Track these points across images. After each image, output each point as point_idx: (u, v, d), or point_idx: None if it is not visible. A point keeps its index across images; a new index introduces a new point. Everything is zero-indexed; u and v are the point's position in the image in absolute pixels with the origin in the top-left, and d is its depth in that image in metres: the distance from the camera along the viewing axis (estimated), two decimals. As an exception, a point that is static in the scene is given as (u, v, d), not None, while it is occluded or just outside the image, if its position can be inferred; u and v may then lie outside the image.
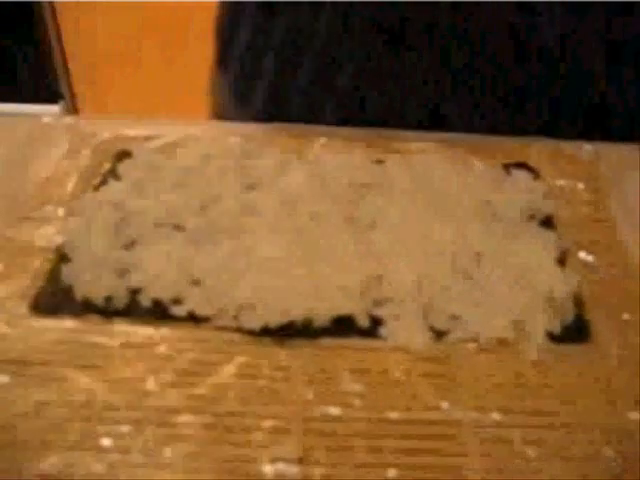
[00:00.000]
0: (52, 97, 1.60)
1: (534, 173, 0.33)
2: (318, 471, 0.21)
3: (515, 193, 0.31)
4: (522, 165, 0.33)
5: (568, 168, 0.34)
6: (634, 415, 0.23)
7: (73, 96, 1.64)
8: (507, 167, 0.33)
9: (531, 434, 0.22)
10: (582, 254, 0.29)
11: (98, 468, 0.21)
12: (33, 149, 0.35)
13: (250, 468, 0.21)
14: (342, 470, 0.21)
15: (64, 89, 1.62)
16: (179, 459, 0.21)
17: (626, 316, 0.26)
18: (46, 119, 0.38)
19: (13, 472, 0.21)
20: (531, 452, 0.21)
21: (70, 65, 1.58)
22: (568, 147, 0.35)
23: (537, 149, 0.35)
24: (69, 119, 0.38)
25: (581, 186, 0.33)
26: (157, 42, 1.21)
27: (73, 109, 1.65)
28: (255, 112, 0.42)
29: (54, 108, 1.61)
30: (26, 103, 1.60)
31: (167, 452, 0.21)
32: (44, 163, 0.34)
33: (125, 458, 0.21)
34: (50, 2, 1.44)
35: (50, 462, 0.21)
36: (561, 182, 0.33)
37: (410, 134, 0.35)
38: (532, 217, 0.30)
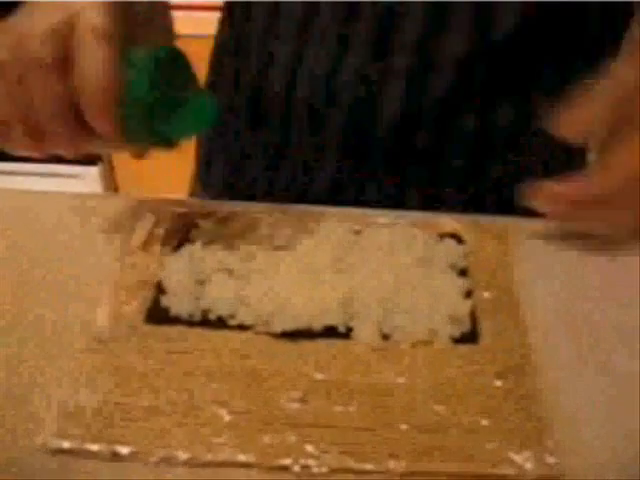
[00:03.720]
0: (87, 159, 1.79)
1: (459, 240, 0.50)
2: (311, 404, 0.37)
3: (443, 253, 0.48)
4: (453, 235, 0.50)
5: (484, 236, 0.50)
6: (498, 381, 0.39)
7: (110, 159, 1.84)
8: (441, 236, 0.50)
9: (437, 390, 0.39)
10: (481, 291, 0.45)
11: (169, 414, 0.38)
12: (130, 222, 0.52)
13: (274, 404, 0.38)
14: (324, 403, 0.37)
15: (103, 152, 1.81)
16: (229, 397, 0.38)
17: (501, 327, 0.43)
18: (133, 201, 0.56)
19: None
20: (439, 405, 0.38)
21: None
22: (486, 220, 0.52)
23: (464, 222, 0.51)
24: (151, 199, 0.56)
25: (490, 248, 0.49)
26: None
27: (110, 171, 1.85)
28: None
29: (93, 170, 1.81)
30: (64, 164, 1.79)
31: (223, 392, 0.38)
32: (139, 232, 0.51)
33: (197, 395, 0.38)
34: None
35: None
36: (477, 245, 0.49)
37: (378, 212, 0.52)
38: (453, 268, 0.47)
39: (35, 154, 0.43)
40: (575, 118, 0.41)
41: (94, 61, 0.38)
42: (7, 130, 0.40)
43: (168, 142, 0.44)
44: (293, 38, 0.53)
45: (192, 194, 0.69)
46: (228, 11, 0.61)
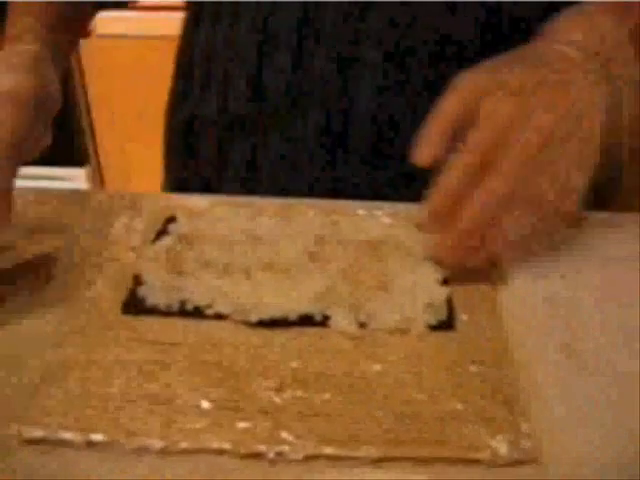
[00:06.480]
0: (74, 161, 1.79)
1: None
2: (287, 392, 0.37)
3: (421, 242, 0.48)
4: (431, 224, 0.51)
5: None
6: (473, 367, 0.40)
7: (98, 161, 1.84)
8: (419, 225, 0.50)
9: (413, 377, 0.39)
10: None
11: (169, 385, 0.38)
12: (109, 217, 0.52)
13: (250, 392, 0.38)
14: (299, 391, 0.37)
15: (91, 154, 1.81)
16: (205, 385, 0.38)
17: (478, 315, 0.43)
18: (109, 194, 0.56)
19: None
20: (415, 391, 0.38)
21: (97, 133, 1.77)
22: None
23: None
24: (129, 194, 0.56)
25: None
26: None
27: (98, 173, 1.85)
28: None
29: (80, 171, 1.81)
30: (51, 166, 1.79)
31: (199, 381, 0.38)
32: (117, 226, 0.51)
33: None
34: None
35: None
36: (455, 235, 0.50)
37: (356, 203, 0.53)
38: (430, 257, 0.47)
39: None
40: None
41: None
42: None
43: None
44: (256, 39, 0.54)
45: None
46: (194, 15, 0.62)
